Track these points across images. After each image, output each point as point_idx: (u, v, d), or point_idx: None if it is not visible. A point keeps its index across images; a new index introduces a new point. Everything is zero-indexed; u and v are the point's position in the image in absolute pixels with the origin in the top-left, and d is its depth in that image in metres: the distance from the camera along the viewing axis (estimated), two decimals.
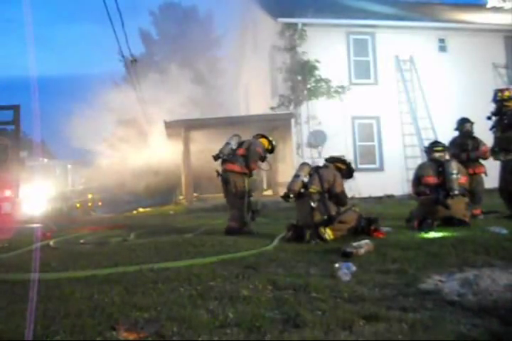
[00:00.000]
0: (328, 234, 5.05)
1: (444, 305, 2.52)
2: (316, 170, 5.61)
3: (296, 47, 14.58)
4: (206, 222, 8.70)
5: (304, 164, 5.87)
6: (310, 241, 4.97)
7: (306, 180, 5.51)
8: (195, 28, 30.15)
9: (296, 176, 5.57)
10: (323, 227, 5.08)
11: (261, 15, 17.45)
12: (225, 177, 6.47)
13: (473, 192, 6.78)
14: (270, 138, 6.97)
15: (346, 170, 5.81)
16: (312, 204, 5.27)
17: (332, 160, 5.92)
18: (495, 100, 7.00)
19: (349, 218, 5.33)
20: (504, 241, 4.32)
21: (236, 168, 6.44)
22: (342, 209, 5.43)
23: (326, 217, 5.24)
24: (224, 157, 6.49)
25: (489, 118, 7.04)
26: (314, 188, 5.42)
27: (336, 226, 5.20)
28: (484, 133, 7.44)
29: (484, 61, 15.51)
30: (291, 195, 5.49)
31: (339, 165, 5.82)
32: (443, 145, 6.75)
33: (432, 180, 6.21)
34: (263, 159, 6.75)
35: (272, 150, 6.95)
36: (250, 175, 6.60)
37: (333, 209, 5.33)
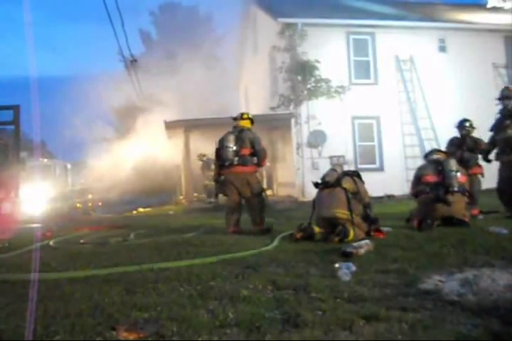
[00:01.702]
0: (351, 234, 4.95)
1: (444, 305, 2.52)
2: (346, 174, 5.62)
3: (296, 47, 14.59)
4: (206, 222, 8.69)
5: (334, 171, 5.81)
6: (333, 237, 4.92)
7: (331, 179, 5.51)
8: (195, 28, 30.16)
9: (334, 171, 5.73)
10: (352, 226, 5.02)
11: (261, 15, 17.45)
12: (240, 179, 6.39)
13: (470, 193, 6.81)
14: (248, 117, 6.96)
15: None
16: (343, 197, 5.21)
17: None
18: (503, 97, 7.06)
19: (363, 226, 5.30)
20: (504, 241, 4.32)
21: (249, 168, 6.44)
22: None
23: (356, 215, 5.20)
24: (233, 162, 6.37)
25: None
26: (349, 185, 5.39)
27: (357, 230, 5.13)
28: (485, 133, 7.47)
29: (484, 61, 15.51)
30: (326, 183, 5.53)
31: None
32: (442, 151, 6.84)
33: (431, 178, 6.23)
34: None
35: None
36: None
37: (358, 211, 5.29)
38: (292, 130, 14.76)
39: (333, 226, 5.13)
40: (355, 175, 5.75)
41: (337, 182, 5.45)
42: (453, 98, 14.95)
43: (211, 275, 3.38)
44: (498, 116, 7.13)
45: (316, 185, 5.65)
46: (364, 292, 2.80)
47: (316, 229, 5.17)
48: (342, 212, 5.19)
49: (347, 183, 5.45)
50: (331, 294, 2.77)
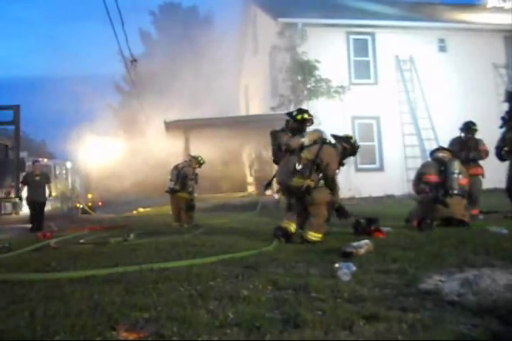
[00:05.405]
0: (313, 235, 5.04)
1: (444, 305, 2.51)
2: (322, 142, 5.30)
3: (296, 47, 14.58)
4: (206, 222, 8.70)
5: (316, 131, 5.60)
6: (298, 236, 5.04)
7: (306, 142, 5.29)
8: (195, 28, 30.15)
9: (301, 136, 5.45)
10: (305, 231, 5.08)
11: (261, 15, 17.45)
12: None
13: (469, 194, 6.80)
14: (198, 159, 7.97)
15: (350, 150, 5.69)
16: (297, 165, 5.13)
17: (338, 139, 5.72)
18: (509, 100, 7.01)
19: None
20: (504, 241, 4.32)
21: None
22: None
23: (304, 185, 5.01)
24: None
25: (504, 118, 7.02)
26: (306, 154, 5.20)
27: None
28: (485, 133, 7.47)
29: (484, 61, 15.52)
30: (289, 148, 5.38)
31: (344, 145, 5.66)
32: (448, 149, 6.83)
33: (433, 178, 6.23)
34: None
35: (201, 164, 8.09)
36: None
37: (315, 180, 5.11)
38: None
39: (292, 195, 5.23)
40: (344, 141, 5.67)
41: (299, 149, 5.29)
42: (453, 98, 14.95)
43: (211, 275, 3.37)
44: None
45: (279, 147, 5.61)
46: (364, 292, 2.80)
47: (292, 229, 5.18)
48: (295, 181, 5.11)
49: (308, 152, 5.19)
50: (331, 294, 2.77)
